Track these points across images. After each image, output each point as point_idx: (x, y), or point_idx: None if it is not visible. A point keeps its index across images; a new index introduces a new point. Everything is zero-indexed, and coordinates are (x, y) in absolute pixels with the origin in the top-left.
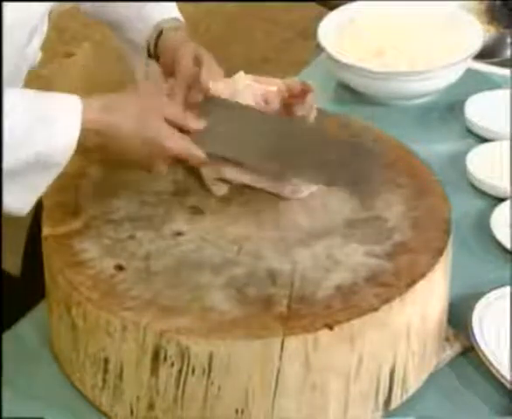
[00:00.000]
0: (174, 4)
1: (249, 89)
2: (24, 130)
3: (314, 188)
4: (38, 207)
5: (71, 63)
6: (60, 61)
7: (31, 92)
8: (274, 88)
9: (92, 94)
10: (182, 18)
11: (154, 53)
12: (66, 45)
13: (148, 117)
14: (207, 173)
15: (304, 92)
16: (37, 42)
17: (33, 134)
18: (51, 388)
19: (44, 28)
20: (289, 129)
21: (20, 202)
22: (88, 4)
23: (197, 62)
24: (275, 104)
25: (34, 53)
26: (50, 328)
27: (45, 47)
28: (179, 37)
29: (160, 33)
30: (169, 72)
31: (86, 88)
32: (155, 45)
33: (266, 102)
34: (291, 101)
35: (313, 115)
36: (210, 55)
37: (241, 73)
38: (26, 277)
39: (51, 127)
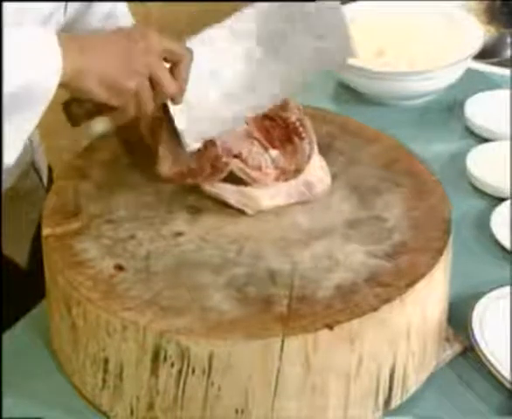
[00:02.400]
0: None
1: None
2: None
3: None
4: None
5: None
6: None
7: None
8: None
9: None
10: None
11: None
12: None
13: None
14: (240, 206)
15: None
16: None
17: (15, 67)
18: (51, 388)
19: (61, 18)
20: None
21: (7, 148)
22: (67, 18)
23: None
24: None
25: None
26: (50, 328)
27: None
28: None
29: None
30: None
31: None
32: None
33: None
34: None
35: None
36: None
37: None
38: (33, 270)
39: (34, 59)
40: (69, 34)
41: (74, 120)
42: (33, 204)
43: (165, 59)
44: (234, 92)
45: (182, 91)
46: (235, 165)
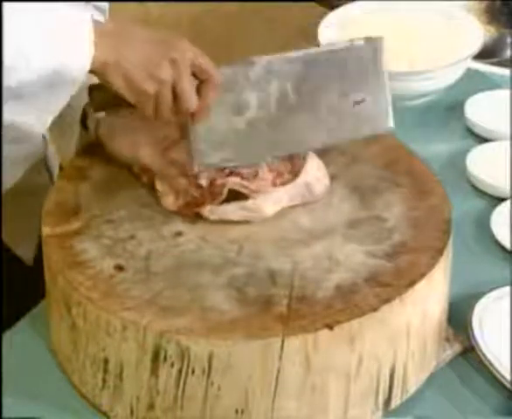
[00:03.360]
0: None
1: None
2: (37, 44)
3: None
4: None
5: None
6: None
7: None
8: None
9: None
10: None
11: None
12: None
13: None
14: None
15: None
16: None
17: (47, 49)
18: (51, 388)
19: None
20: None
21: (38, 120)
22: None
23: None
24: None
25: None
26: (50, 328)
27: None
28: None
29: None
30: None
31: None
32: None
33: None
34: None
35: None
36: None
37: None
38: (38, 267)
39: (66, 43)
40: (105, 22)
41: (96, 104)
42: (42, 202)
43: (194, 74)
44: (260, 128)
45: (204, 110)
46: (232, 182)
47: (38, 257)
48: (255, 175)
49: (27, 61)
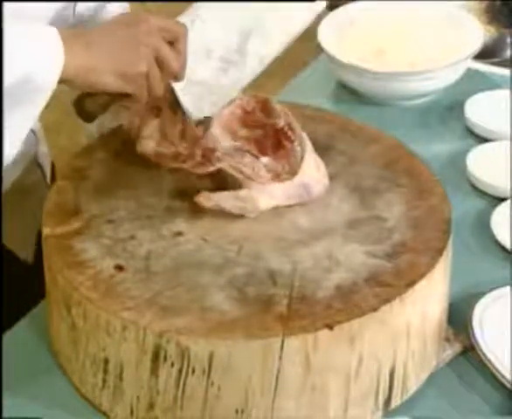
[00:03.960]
0: None
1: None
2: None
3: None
4: None
5: None
6: None
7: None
8: (227, 115)
9: None
10: None
11: None
12: None
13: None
14: (241, 212)
15: (262, 104)
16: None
17: (15, 58)
18: (51, 388)
19: (71, 17)
20: None
21: (8, 141)
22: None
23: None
24: (238, 131)
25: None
26: (50, 328)
27: None
28: None
29: None
30: None
31: None
32: None
33: (234, 138)
34: (248, 118)
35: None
36: None
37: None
38: (38, 265)
39: (35, 51)
40: (70, 30)
41: (88, 116)
42: (37, 200)
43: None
44: (229, 59)
45: (184, 67)
46: (227, 163)
47: (38, 257)
48: (253, 170)
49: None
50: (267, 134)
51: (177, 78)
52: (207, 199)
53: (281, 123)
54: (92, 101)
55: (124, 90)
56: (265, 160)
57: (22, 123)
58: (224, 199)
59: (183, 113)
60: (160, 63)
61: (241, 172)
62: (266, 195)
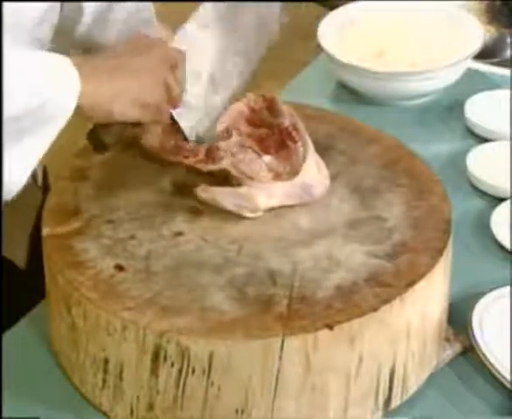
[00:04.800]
0: (167, 32)
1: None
2: (20, 87)
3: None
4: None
5: None
6: None
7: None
8: (234, 113)
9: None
10: None
11: None
12: None
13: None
14: (238, 210)
15: (269, 103)
16: (48, 25)
17: (29, 86)
18: (51, 388)
19: (56, 17)
20: None
21: (15, 172)
22: (82, 29)
23: None
24: (244, 128)
25: (45, 37)
26: (50, 328)
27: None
28: None
29: None
30: None
31: None
32: None
33: (239, 134)
34: (255, 117)
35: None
36: None
37: None
38: (31, 270)
39: (50, 79)
40: (81, 57)
41: (102, 147)
42: (28, 204)
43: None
44: (216, 79)
45: (182, 93)
46: (229, 162)
47: (31, 260)
48: (254, 169)
49: (11, 97)
50: (272, 134)
51: (177, 105)
52: (204, 191)
53: (286, 123)
54: (105, 132)
55: (141, 119)
56: (267, 158)
57: (34, 151)
58: (222, 194)
59: (185, 138)
60: (166, 90)
61: (242, 171)
62: (266, 194)
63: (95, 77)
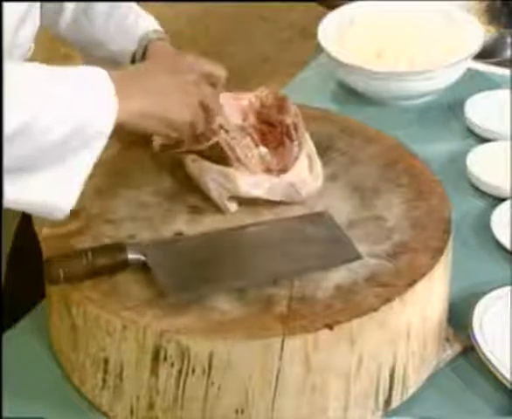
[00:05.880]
0: (152, 17)
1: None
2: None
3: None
4: (24, 217)
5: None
6: (59, 64)
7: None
8: (246, 102)
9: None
10: (162, 30)
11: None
12: (66, 47)
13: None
14: (218, 191)
15: (279, 102)
16: (29, 29)
17: (69, 108)
18: (51, 388)
19: (37, 19)
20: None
21: (63, 195)
22: (64, 25)
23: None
24: (251, 118)
25: (26, 42)
26: (50, 328)
27: (46, 47)
28: (168, 46)
29: (146, 46)
30: None
31: None
32: (143, 56)
33: (244, 118)
34: (264, 112)
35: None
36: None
37: (222, 93)
38: (10, 289)
39: (88, 99)
40: (118, 72)
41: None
42: (7, 218)
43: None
44: None
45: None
46: (223, 138)
47: (9, 282)
48: (246, 155)
49: (47, 123)
50: (273, 130)
51: (211, 124)
52: (193, 160)
53: (288, 121)
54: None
55: (169, 135)
56: (263, 151)
57: (78, 172)
58: (207, 170)
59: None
60: (205, 108)
61: (234, 151)
62: (251, 181)
63: (129, 92)
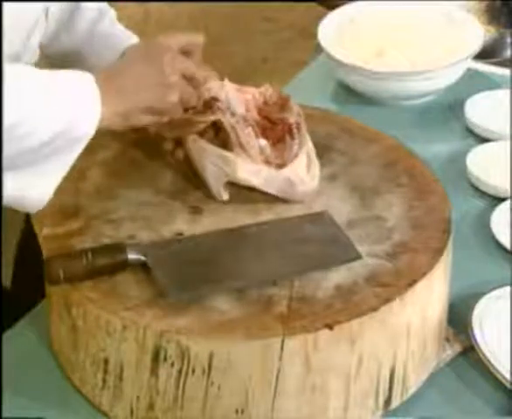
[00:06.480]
0: (130, 32)
1: (233, 98)
2: (42, 105)
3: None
4: (29, 217)
5: None
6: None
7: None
8: (249, 96)
9: None
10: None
11: None
12: None
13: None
14: (216, 174)
15: (282, 101)
16: (39, 35)
17: (55, 111)
18: (51, 388)
19: (43, 26)
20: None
21: (41, 189)
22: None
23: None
24: (254, 112)
25: (36, 46)
26: (50, 328)
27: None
28: (140, 41)
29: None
30: None
31: None
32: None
33: (247, 110)
34: (266, 109)
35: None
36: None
37: (226, 81)
38: (17, 286)
39: (74, 103)
40: (106, 73)
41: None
42: (12, 225)
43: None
44: None
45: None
46: (227, 121)
47: (16, 279)
48: (248, 142)
49: (33, 127)
50: (274, 127)
51: (190, 105)
52: (194, 141)
53: (291, 120)
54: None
55: (160, 121)
56: (263, 143)
57: (57, 171)
58: (208, 151)
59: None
60: (189, 79)
61: (237, 134)
62: (250, 169)
63: (110, 93)
